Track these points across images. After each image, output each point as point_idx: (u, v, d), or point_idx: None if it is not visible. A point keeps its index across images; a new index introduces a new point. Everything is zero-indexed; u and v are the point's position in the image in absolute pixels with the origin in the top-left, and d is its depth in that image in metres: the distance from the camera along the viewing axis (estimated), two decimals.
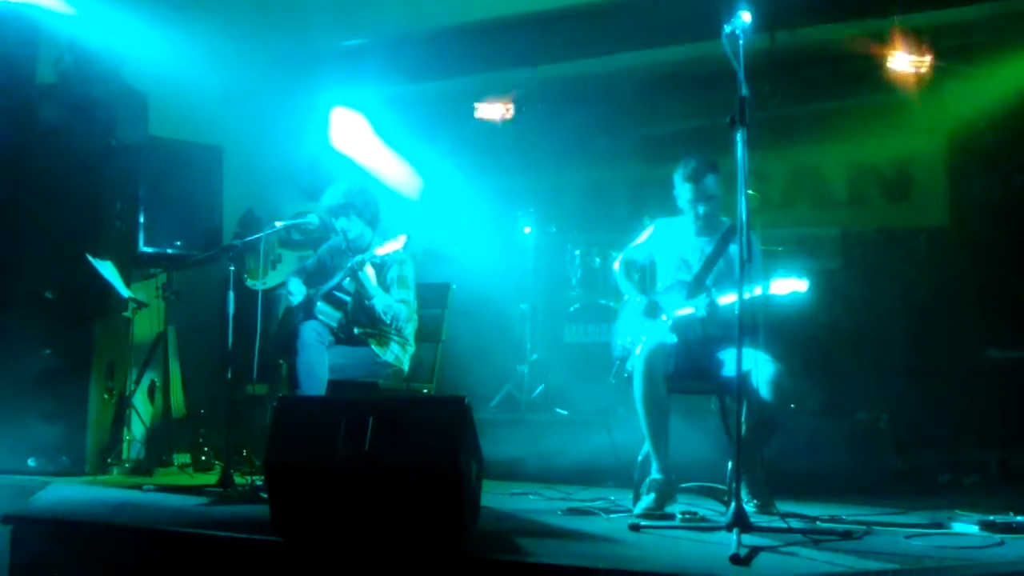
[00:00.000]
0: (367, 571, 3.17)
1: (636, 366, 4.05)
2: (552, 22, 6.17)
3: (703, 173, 4.25)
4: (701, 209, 4.29)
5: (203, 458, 5.34)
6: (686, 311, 4.17)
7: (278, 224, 5.37)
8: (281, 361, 5.31)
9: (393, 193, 6.91)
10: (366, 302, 4.78)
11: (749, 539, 3.19)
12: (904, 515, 3.95)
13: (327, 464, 3.42)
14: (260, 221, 5.80)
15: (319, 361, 4.65)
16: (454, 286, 5.33)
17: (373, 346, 4.86)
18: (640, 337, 4.28)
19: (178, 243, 5.60)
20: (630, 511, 3.97)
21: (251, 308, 5.23)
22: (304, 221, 5.55)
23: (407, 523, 3.34)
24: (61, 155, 5.42)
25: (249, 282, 4.86)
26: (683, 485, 4.02)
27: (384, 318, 4.80)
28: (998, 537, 3.39)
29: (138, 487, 4.72)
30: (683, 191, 4.30)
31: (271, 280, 5.44)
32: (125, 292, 5.31)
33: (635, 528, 3.57)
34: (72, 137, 5.45)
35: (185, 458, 5.42)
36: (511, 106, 7.07)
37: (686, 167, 4.28)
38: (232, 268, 4.84)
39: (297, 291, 4.97)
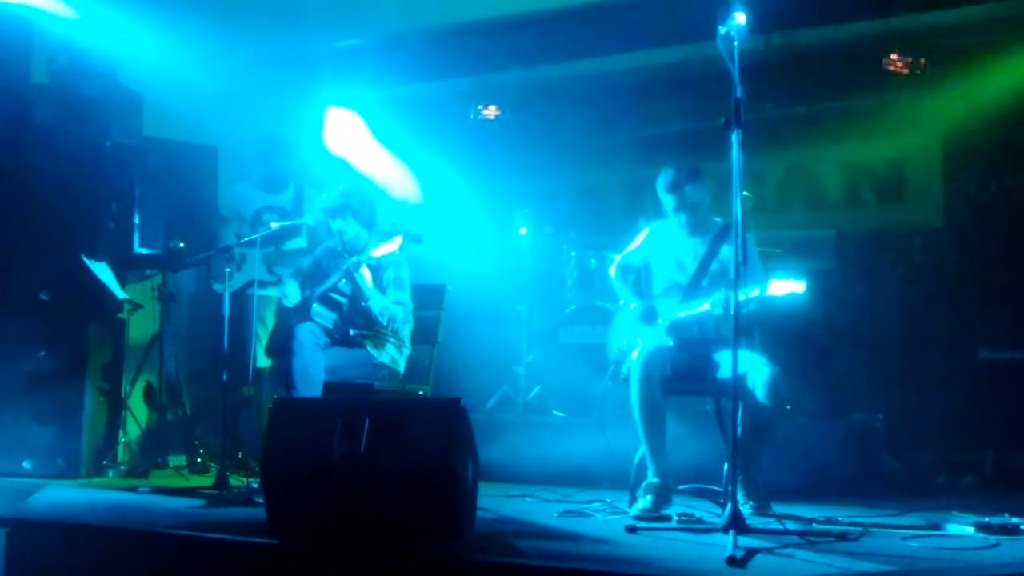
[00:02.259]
0: (363, 573, 3.16)
1: (633, 371, 4.05)
2: (548, 23, 6.16)
3: (681, 183, 4.25)
4: (684, 217, 4.30)
5: (199, 460, 5.32)
6: (696, 310, 4.16)
7: (273, 225, 5.37)
8: (269, 365, 5.30)
9: (387, 193, 6.90)
10: (362, 303, 4.78)
11: (745, 541, 3.19)
12: (900, 516, 3.95)
13: (323, 466, 3.42)
14: (227, 221, 5.77)
15: (315, 363, 4.65)
16: (450, 287, 5.32)
17: (369, 348, 4.86)
18: (636, 340, 4.28)
19: (173, 244, 5.57)
20: (626, 513, 3.97)
21: (245, 310, 5.22)
22: (300, 222, 5.56)
23: (403, 525, 3.34)
24: (55, 156, 5.39)
25: (216, 286, 4.79)
26: (679, 487, 4.02)
27: (380, 319, 4.80)
28: (994, 539, 3.40)
29: (133, 489, 4.71)
30: (666, 201, 4.32)
31: (236, 282, 5.38)
32: (120, 294, 5.29)
33: (631, 530, 3.57)
34: (67, 138, 5.43)
35: (180, 460, 5.41)
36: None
37: (665, 178, 4.29)
38: (228, 270, 4.83)
39: (292, 294, 4.97)
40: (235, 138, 6.09)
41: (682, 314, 4.20)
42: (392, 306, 4.82)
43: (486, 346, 6.25)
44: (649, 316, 4.29)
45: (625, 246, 4.61)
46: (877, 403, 5.45)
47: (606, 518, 3.94)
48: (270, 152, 5.84)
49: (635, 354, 4.14)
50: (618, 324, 4.45)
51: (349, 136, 7.02)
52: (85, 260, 5.14)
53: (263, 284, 5.40)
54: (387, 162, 7.09)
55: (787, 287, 3.86)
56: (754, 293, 3.86)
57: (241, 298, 5.30)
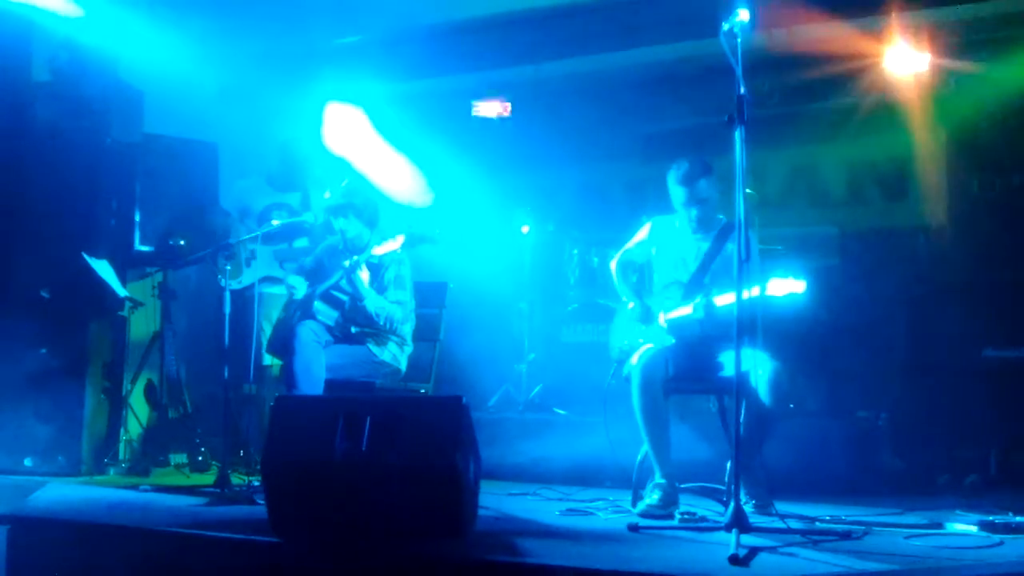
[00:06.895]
0: (365, 572, 3.16)
1: (633, 376, 4.03)
2: (550, 19, 6.15)
3: (696, 176, 4.23)
4: (694, 212, 4.28)
5: (200, 458, 5.31)
6: (682, 312, 4.15)
7: (275, 223, 5.36)
8: (271, 362, 5.29)
9: (389, 190, 6.88)
10: (358, 303, 4.77)
11: (748, 539, 3.18)
12: (903, 515, 3.94)
13: (324, 464, 3.41)
14: (229, 216, 5.75)
15: (316, 361, 4.64)
16: (452, 285, 5.31)
17: (371, 346, 4.85)
18: (637, 340, 4.26)
19: (173, 241, 5.56)
20: (629, 512, 3.96)
21: (247, 307, 5.20)
22: (300, 220, 5.55)
23: (404, 523, 3.33)
24: (56, 153, 5.39)
25: (223, 282, 4.83)
26: (682, 485, 4.01)
27: (377, 320, 4.79)
28: (997, 537, 3.39)
29: (135, 487, 4.70)
30: (676, 194, 4.30)
31: (247, 278, 5.37)
32: (121, 291, 5.29)
33: (634, 528, 3.56)
34: (67, 135, 5.42)
35: (182, 458, 5.40)
36: (508, 105, 7.03)
37: (678, 170, 4.26)
38: (228, 267, 4.82)
39: (300, 286, 4.96)
40: (236, 135, 6.08)
41: (674, 313, 4.17)
42: (389, 306, 4.81)
43: (488, 344, 6.24)
44: (646, 317, 4.28)
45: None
46: (880, 401, 5.42)
47: (608, 517, 3.93)
48: (287, 151, 5.84)
49: (635, 358, 4.12)
50: (619, 322, 4.44)
51: (350, 132, 7.00)
52: (86, 257, 5.13)
53: (274, 281, 5.40)
54: (389, 158, 7.07)
55: (787, 287, 3.84)
56: (753, 292, 3.84)
57: (248, 295, 5.28)
